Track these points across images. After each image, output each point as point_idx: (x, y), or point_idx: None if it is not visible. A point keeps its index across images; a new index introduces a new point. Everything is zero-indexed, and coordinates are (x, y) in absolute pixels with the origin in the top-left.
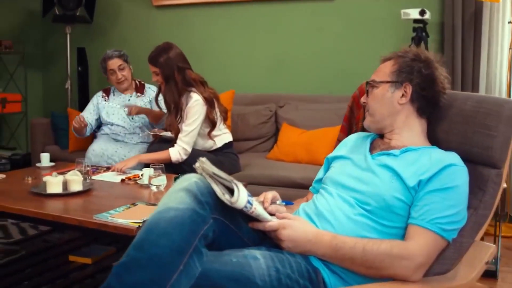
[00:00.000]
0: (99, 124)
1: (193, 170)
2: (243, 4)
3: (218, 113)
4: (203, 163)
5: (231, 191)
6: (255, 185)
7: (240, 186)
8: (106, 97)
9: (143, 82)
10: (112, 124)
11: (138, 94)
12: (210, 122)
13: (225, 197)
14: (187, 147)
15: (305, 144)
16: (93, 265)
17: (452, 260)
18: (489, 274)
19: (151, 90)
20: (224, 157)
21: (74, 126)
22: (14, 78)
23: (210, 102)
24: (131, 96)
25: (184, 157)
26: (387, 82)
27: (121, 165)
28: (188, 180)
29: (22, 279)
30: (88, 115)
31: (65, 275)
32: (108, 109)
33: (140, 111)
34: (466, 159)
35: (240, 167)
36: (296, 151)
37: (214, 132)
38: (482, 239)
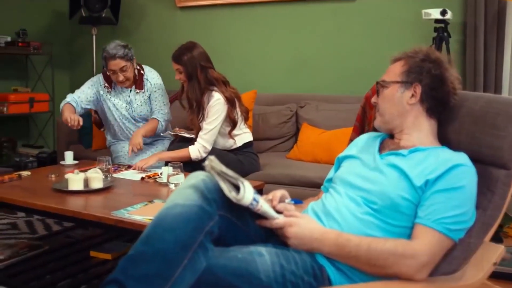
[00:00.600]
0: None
1: None
2: (265, 5)
3: (239, 113)
4: (212, 161)
5: (238, 189)
6: (274, 184)
7: (246, 183)
8: (109, 88)
9: (142, 72)
10: (116, 124)
11: (137, 90)
12: (231, 122)
13: (231, 194)
14: (207, 145)
15: (324, 144)
16: (113, 260)
17: (459, 260)
18: (507, 277)
19: (149, 83)
20: (243, 157)
21: (66, 121)
22: (42, 78)
23: (231, 101)
24: (130, 91)
25: (204, 155)
26: (397, 82)
27: (142, 163)
28: (196, 177)
29: (44, 273)
30: (84, 99)
31: (85, 270)
32: (114, 108)
33: (140, 138)
34: (475, 160)
35: (259, 167)
36: (316, 151)
37: (234, 132)
38: (500, 241)
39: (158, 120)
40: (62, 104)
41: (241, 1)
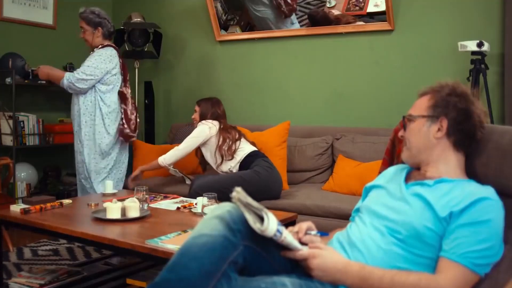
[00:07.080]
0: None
1: None
2: (301, 38)
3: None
4: (239, 193)
5: (263, 220)
6: (308, 216)
7: (270, 215)
8: None
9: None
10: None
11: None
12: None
13: (256, 225)
14: (168, 156)
15: (359, 176)
16: None
17: None
18: None
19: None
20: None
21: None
22: None
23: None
24: None
25: (166, 163)
26: (423, 116)
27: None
28: (222, 208)
29: None
30: None
31: None
32: None
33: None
34: (503, 193)
35: (270, 181)
36: (351, 183)
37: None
38: None
39: (65, 74)
40: None
41: (278, 35)
